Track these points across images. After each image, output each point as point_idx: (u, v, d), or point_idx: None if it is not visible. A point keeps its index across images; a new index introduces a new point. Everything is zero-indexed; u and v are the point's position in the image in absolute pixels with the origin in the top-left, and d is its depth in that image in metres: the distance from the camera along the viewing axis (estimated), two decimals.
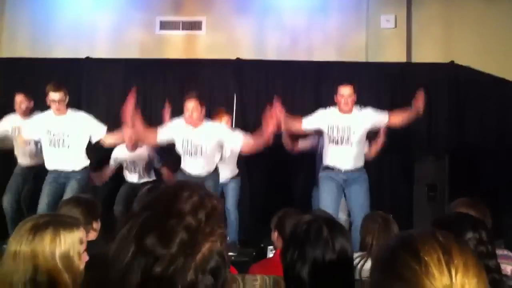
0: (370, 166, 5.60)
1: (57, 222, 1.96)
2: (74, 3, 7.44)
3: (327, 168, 5.20)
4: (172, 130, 5.12)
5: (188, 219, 1.00)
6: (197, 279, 0.97)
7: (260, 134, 4.95)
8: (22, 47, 7.43)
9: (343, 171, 5.12)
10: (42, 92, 5.62)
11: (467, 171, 6.32)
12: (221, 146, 5.38)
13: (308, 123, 5.24)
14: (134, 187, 5.86)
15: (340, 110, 5.16)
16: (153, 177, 6.17)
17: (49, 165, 5.21)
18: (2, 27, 7.64)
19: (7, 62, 7.23)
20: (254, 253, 5.25)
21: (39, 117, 5.34)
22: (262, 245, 5.19)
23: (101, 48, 7.35)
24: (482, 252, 1.88)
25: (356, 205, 5.06)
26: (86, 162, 5.30)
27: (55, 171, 5.18)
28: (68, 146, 5.17)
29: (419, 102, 5.16)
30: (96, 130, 5.31)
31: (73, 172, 5.18)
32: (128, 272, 0.96)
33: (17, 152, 5.85)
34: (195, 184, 1.10)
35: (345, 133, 5.12)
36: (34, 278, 1.80)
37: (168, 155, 5.82)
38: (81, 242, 1.96)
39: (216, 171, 5.29)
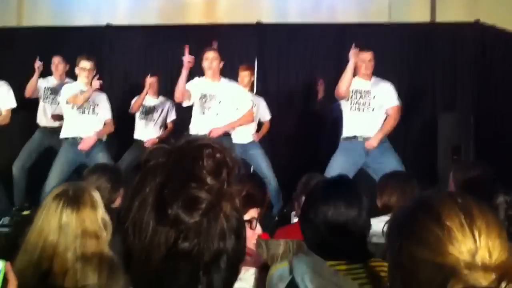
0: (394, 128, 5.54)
1: (86, 188, 2.01)
2: None
3: (347, 138, 5.09)
4: (192, 86, 5.11)
5: (211, 180, 0.90)
6: (224, 244, 0.90)
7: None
8: (43, 16, 7.45)
9: (364, 139, 4.99)
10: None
11: (493, 133, 6.21)
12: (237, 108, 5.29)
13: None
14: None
15: (360, 75, 5.09)
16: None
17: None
18: None
19: (29, 30, 7.27)
20: (277, 218, 5.27)
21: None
22: (285, 210, 5.20)
23: (121, 15, 7.33)
24: (511, 215, 1.85)
25: None
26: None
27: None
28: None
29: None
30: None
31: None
32: (151, 249, 0.89)
33: (41, 114, 5.97)
34: (211, 139, 0.98)
35: (366, 98, 5.05)
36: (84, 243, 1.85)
37: None
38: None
39: (229, 136, 5.16)
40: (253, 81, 6.17)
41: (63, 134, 5.33)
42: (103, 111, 5.46)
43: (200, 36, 6.83)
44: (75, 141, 5.25)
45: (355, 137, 5.04)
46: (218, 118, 5.05)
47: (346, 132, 5.12)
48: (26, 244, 1.88)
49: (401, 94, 5.62)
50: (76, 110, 5.29)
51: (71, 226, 1.86)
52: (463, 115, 6.18)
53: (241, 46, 6.90)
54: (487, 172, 2.69)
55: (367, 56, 5.05)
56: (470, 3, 6.81)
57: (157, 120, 6.20)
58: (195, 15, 7.35)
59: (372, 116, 5.04)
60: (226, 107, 5.09)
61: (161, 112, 6.22)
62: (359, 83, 5.09)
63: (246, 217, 2.18)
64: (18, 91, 5.79)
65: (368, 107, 5.04)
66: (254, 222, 2.00)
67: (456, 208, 1.04)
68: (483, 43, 6.59)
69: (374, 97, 5.05)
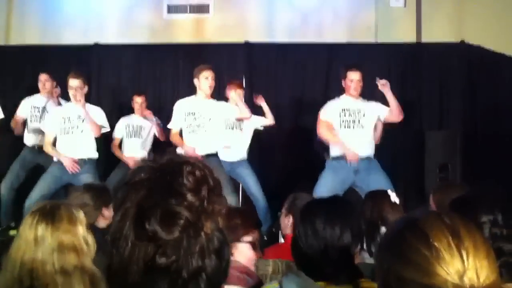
0: (381, 146, 5.57)
1: (64, 204, 2.02)
2: None
3: (335, 158, 5.08)
4: (181, 110, 5.14)
5: (190, 197, 0.91)
6: (203, 263, 0.90)
7: None
8: (31, 34, 7.43)
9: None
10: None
11: (480, 151, 6.27)
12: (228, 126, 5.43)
13: (326, 114, 5.15)
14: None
15: (349, 94, 5.13)
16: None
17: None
18: (11, 14, 7.63)
19: (17, 49, 7.25)
20: (265, 238, 5.25)
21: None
22: (273, 229, 5.18)
23: (110, 33, 7.34)
24: (495, 234, 1.86)
25: None
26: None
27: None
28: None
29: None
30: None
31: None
32: (130, 263, 0.89)
33: (28, 132, 5.94)
34: (193, 158, 0.99)
35: (355, 116, 5.08)
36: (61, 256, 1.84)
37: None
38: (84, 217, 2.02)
39: (216, 155, 5.15)
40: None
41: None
42: (95, 121, 5.33)
43: (188, 55, 6.87)
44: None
45: (343, 156, 5.03)
46: (207, 135, 5.06)
47: (334, 151, 5.13)
48: (7, 261, 1.88)
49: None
50: (59, 131, 5.27)
51: (47, 240, 1.86)
52: (450, 133, 6.24)
53: (230, 65, 6.93)
54: (468, 191, 2.70)
55: (356, 75, 5.08)
56: (455, 24, 6.91)
57: (145, 138, 6.18)
58: (184, 34, 7.38)
59: (362, 134, 5.06)
60: (215, 124, 5.11)
61: (149, 130, 6.20)
62: (347, 102, 5.13)
63: (248, 238, 2.17)
64: (7, 109, 5.78)
65: (357, 124, 5.07)
66: (256, 244, 2.03)
67: (444, 229, 1.04)
68: (469, 63, 6.67)
69: (364, 115, 5.08)
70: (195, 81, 5.10)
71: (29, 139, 5.92)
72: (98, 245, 1.98)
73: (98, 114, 5.37)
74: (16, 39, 7.49)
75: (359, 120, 5.06)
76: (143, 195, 0.91)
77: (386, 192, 2.90)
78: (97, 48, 7.14)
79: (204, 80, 5.04)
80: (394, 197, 2.86)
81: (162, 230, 0.88)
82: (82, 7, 7.39)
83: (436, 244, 1.02)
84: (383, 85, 5.00)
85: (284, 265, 2.49)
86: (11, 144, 6.26)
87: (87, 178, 5.03)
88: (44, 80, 5.94)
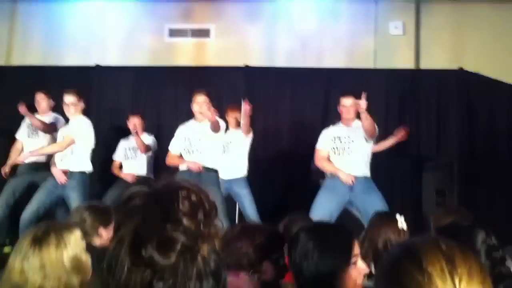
0: (379, 171, 5.58)
1: (56, 227, 2.00)
2: (84, 11, 7.48)
3: (330, 176, 5.18)
4: (180, 135, 5.33)
5: (187, 222, 0.91)
6: (201, 285, 0.90)
7: None
8: (33, 55, 7.49)
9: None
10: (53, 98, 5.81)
11: (476, 177, 6.29)
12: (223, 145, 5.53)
13: (321, 144, 5.28)
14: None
15: (342, 121, 5.24)
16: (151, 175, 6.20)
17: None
18: (14, 35, 7.70)
19: (18, 69, 7.30)
20: None
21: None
22: None
23: (111, 55, 7.40)
24: (496, 258, 1.86)
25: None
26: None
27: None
28: None
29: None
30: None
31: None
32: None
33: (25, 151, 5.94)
34: (189, 181, 1.00)
35: (345, 143, 5.17)
36: None
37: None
38: (81, 238, 2.02)
39: (216, 172, 5.30)
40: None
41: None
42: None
43: (188, 78, 6.91)
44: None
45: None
46: (202, 156, 5.20)
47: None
48: (1, 282, 1.89)
49: (387, 138, 5.73)
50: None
51: (33, 266, 1.86)
52: (447, 159, 6.26)
53: (229, 89, 6.97)
54: (465, 216, 2.70)
55: (348, 101, 5.15)
56: (453, 52, 6.98)
57: (144, 158, 6.20)
58: (185, 58, 7.44)
59: (351, 160, 5.12)
60: (207, 145, 5.26)
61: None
62: (340, 130, 5.24)
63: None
64: (8, 129, 5.86)
65: (347, 151, 5.14)
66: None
67: (439, 254, 1.04)
68: (467, 89, 6.72)
69: (353, 141, 5.15)
70: (193, 106, 5.29)
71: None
72: (93, 265, 1.98)
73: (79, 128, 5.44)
74: (18, 59, 7.55)
75: (348, 147, 5.15)
76: (138, 222, 0.91)
77: (393, 216, 2.86)
78: (98, 70, 7.19)
79: (196, 105, 5.23)
80: (402, 223, 2.80)
81: (159, 256, 0.88)
82: (84, 29, 7.47)
83: (429, 269, 1.02)
84: (358, 104, 5.01)
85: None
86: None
87: (71, 189, 5.19)
88: (39, 99, 6.00)
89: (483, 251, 1.89)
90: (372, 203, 4.75)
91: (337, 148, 5.18)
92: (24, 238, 1.94)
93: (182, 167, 5.23)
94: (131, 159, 6.16)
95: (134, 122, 6.03)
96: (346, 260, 1.80)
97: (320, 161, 5.27)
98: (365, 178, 5.12)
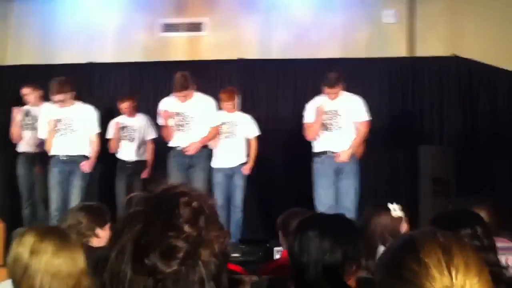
0: (375, 158, 5.60)
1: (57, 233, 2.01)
2: (77, 8, 7.45)
3: (317, 154, 5.25)
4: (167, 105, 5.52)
5: (188, 228, 0.91)
6: None
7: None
8: (27, 54, 7.47)
9: (333, 154, 5.16)
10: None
11: (474, 164, 6.29)
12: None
13: (308, 117, 5.32)
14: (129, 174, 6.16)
15: (326, 94, 5.26)
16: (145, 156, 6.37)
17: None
18: (8, 35, 7.68)
19: (13, 69, 7.27)
20: (260, 254, 5.25)
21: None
22: (268, 245, 5.18)
23: (105, 52, 7.37)
24: (476, 246, 1.89)
25: (346, 202, 5.12)
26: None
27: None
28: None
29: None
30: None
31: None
32: None
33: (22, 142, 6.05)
34: (188, 186, 0.99)
35: (333, 119, 5.19)
36: None
37: None
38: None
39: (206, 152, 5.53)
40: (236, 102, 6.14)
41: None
42: (86, 127, 5.57)
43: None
44: (57, 159, 5.42)
45: (325, 152, 5.20)
46: (193, 132, 5.41)
47: (317, 147, 5.28)
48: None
49: (383, 126, 5.73)
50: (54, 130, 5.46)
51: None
52: (444, 147, 6.27)
53: (224, 82, 6.95)
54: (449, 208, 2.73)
55: (331, 76, 5.17)
56: (449, 40, 6.94)
57: (138, 138, 6.32)
58: (179, 52, 7.41)
59: (341, 134, 5.17)
60: (198, 122, 5.45)
61: (140, 131, 6.34)
62: (325, 104, 5.22)
63: None
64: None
65: (336, 126, 5.17)
66: None
67: (436, 246, 1.05)
68: (462, 76, 6.71)
69: (341, 116, 5.16)
70: None
71: (21, 146, 6.07)
72: (89, 265, 1.97)
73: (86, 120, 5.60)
74: (12, 59, 7.53)
75: (337, 122, 5.20)
76: (139, 229, 0.91)
77: (386, 207, 2.84)
78: (92, 67, 7.16)
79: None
80: (395, 210, 2.80)
81: (162, 264, 0.88)
82: (78, 27, 7.44)
83: (426, 259, 1.03)
84: (338, 157, 5.14)
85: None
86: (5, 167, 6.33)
87: (77, 174, 5.36)
88: (27, 92, 6.04)
89: (466, 240, 1.91)
90: (344, 188, 5.09)
91: (325, 123, 5.21)
92: (25, 238, 1.93)
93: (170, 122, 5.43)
94: (128, 141, 6.33)
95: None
96: (347, 249, 1.80)
97: (310, 132, 5.28)
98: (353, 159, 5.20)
